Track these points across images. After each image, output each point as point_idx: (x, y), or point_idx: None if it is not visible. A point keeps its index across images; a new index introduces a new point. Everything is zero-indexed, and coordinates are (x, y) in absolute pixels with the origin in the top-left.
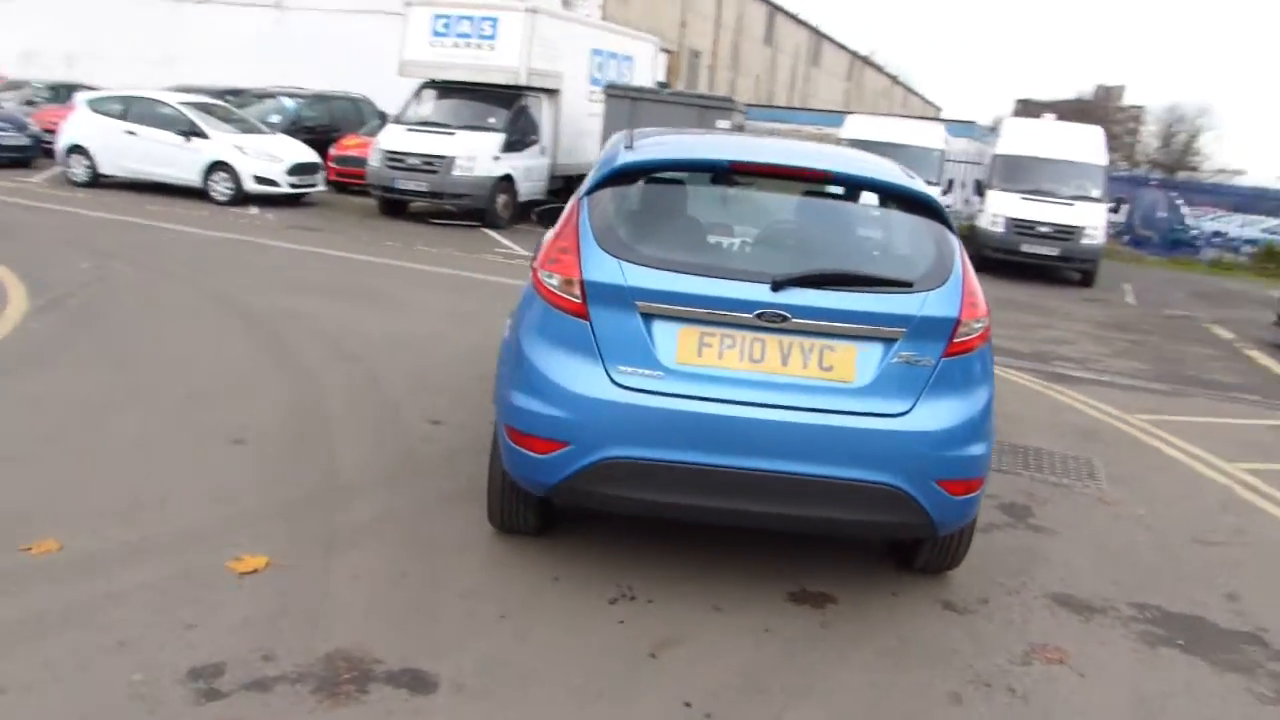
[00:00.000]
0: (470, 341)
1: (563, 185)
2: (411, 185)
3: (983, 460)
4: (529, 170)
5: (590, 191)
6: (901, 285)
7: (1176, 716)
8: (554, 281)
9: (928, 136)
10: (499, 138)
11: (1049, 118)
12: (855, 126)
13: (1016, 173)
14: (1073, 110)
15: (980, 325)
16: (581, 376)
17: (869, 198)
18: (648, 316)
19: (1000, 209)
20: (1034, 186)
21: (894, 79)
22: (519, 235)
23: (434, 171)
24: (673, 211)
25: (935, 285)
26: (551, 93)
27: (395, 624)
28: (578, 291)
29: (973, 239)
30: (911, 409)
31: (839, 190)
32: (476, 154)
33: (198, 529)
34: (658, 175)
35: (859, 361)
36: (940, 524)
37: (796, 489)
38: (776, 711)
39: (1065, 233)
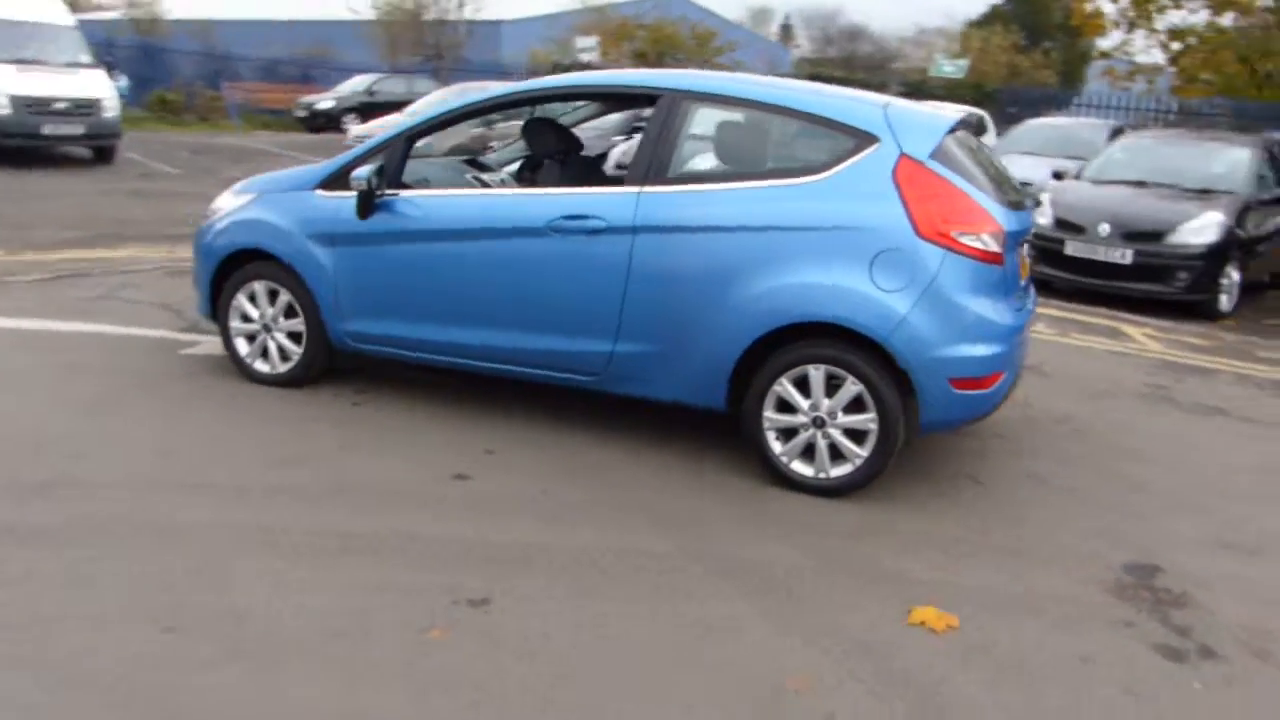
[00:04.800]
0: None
1: None
2: None
3: None
4: None
5: (933, 153)
6: None
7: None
8: (972, 239)
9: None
10: None
11: None
12: None
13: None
14: None
15: None
16: (1007, 313)
17: None
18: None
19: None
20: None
21: None
22: None
23: None
24: (969, 161)
25: None
26: None
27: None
28: (1001, 242)
29: None
30: None
31: None
32: None
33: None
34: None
35: None
36: None
37: None
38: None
39: (84, 108)
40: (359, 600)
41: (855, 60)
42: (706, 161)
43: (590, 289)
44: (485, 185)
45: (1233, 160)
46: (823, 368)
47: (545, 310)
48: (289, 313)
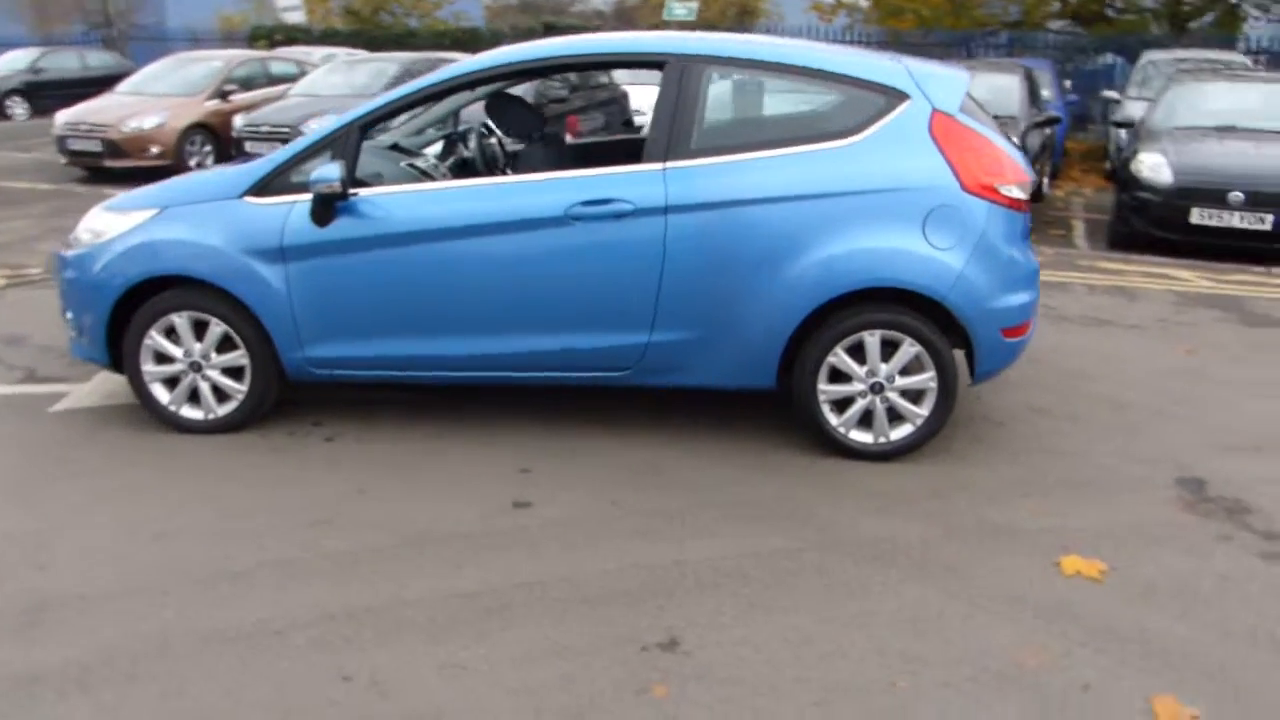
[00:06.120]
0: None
1: None
2: None
3: None
4: None
5: (961, 106)
6: None
7: None
8: (1008, 189)
9: None
10: None
11: None
12: None
13: None
14: None
15: None
16: (1032, 257)
17: None
18: None
19: None
20: None
21: None
22: None
23: None
24: (981, 113)
25: None
26: None
27: None
28: (1027, 190)
29: None
30: None
31: None
32: None
33: None
34: None
35: None
36: None
37: None
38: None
39: None
40: (547, 672)
41: (535, 5)
42: (729, 130)
43: (620, 279)
44: (425, 174)
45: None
46: (878, 333)
47: (568, 307)
48: (224, 345)
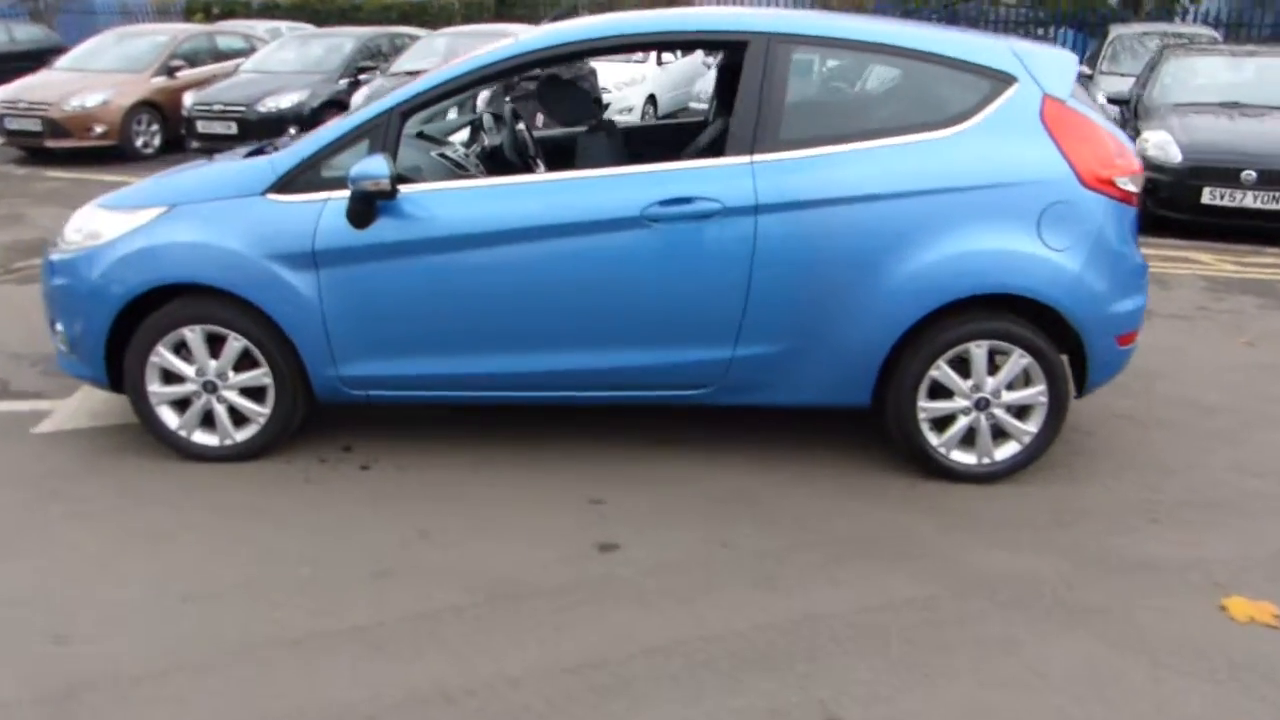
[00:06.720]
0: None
1: None
2: None
3: None
4: None
5: (1073, 92)
6: None
7: None
8: (1125, 182)
9: None
10: None
11: None
12: None
13: None
14: None
15: None
16: (1140, 255)
17: None
18: None
19: None
20: None
21: None
22: None
23: None
24: (1089, 98)
25: None
26: None
27: None
28: (1140, 183)
29: None
30: None
31: None
32: None
33: None
34: None
35: None
36: None
37: None
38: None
39: None
40: None
41: None
42: (821, 118)
43: (703, 287)
44: (459, 166)
45: None
46: (985, 344)
47: (643, 319)
48: (243, 363)
